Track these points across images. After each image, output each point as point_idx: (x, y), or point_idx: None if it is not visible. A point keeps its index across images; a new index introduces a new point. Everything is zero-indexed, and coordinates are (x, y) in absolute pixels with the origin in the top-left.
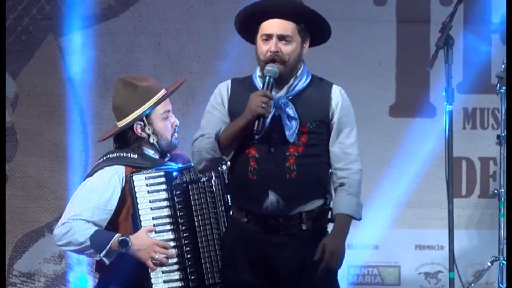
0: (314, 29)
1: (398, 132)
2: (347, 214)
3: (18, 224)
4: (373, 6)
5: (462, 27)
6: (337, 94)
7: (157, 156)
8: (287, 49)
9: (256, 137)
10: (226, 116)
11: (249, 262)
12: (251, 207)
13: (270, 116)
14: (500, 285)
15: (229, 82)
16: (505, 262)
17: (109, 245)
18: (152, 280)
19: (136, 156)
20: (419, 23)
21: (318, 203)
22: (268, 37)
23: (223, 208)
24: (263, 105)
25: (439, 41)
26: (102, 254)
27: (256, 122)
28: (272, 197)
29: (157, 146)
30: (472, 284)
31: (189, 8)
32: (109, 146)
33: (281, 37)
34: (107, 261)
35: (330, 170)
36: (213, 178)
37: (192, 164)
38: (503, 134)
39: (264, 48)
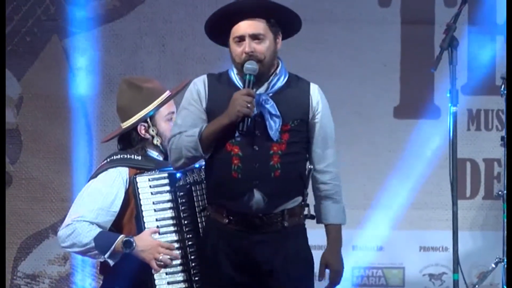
0: (285, 22)
1: (402, 134)
2: (338, 223)
3: (23, 226)
4: (377, 8)
5: (466, 29)
6: (316, 93)
7: (161, 158)
8: (261, 47)
9: (237, 135)
10: (203, 113)
11: (232, 261)
12: (233, 206)
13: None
14: (504, 287)
15: (205, 77)
16: None
17: (113, 246)
18: (156, 282)
19: (140, 157)
20: (423, 24)
21: (298, 200)
22: (241, 38)
23: None
24: (248, 105)
25: (444, 43)
26: (106, 255)
27: (241, 122)
28: (257, 195)
29: (161, 147)
30: (477, 286)
31: (194, 9)
32: (113, 147)
33: (253, 37)
34: (111, 262)
35: (309, 166)
36: None
37: (197, 166)
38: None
39: (238, 50)
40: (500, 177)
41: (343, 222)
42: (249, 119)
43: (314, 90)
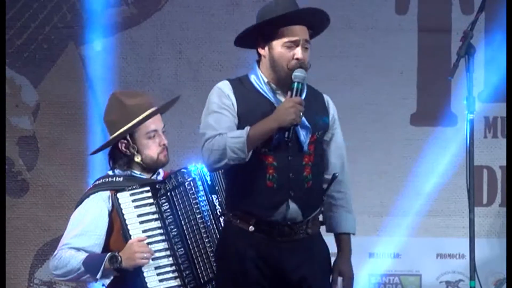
0: (315, 35)
1: (419, 141)
2: (350, 233)
3: (40, 233)
4: (394, 15)
5: (483, 36)
6: (331, 103)
7: (145, 176)
8: (306, 55)
9: (273, 144)
10: (236, 118)
11: (261, 270)
12: (266, 215)
13: None
14: None
15: (228, 83)
16: None
17: (102, 265)
18: None
19: (121, 179)
20: (440, 32)
21: (319, 208)
22: (294, 43)
23: (208, 207)
24: (300, 113)
25: (460, 50)
26: (98, 276)
27: (290, 129)
28: (293, 206)
29: (144, 165)
30: None
31: (211, 17)
32: None
33: (304, 43)
34: (105, 282)
35: (336, 174)
36: (194, 180)
37: (175, 171)
38: None
39: (288, 54)
40: None
41: (354, 232)
42: (296, 127)
43: (329, 101)
